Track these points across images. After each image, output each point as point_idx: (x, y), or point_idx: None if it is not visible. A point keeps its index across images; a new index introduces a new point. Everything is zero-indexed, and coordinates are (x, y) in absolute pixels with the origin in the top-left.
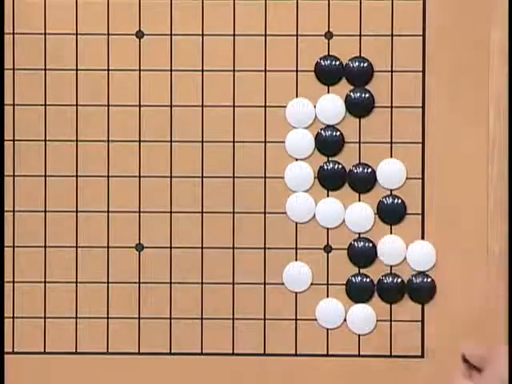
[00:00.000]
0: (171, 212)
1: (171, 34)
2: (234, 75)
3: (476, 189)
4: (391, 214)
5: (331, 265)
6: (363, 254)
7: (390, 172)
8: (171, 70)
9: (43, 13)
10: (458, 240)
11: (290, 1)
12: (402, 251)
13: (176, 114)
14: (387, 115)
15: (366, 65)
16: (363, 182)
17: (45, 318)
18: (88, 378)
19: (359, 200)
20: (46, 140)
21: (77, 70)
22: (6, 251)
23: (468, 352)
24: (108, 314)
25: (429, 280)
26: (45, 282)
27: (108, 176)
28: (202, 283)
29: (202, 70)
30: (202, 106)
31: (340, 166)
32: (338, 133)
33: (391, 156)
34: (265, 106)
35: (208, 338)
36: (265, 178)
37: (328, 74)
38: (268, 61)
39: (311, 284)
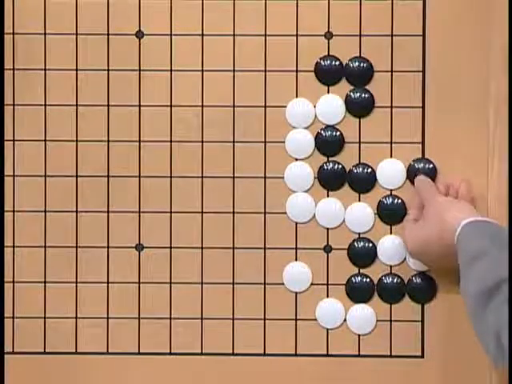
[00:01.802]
0: (171, 212)
1: (171, 34)
2: (234, 75)
3: (476, 189)
4: (391, 213)
5: (331, 265)
6: (363, 254)
7: (390, 172)
8: (171, 70)
9: (43, 13)
10: None
11: (290, 1)
12: (401, 251)
13: (176, 113)
14: (387, 115)
15: (365, 65)
16: (363, 182)
17: (45, 318)
18: (88, 378)
19: (359, 200)
20: (45, 140)
21: (77, 69)
22: (6, 251)
23: (420, 185)
24: (108, 313)
25: (429, 280)
26: (45, 282)
27: (108, 176)
28: (202, 283)
29: (202, 70)
30: (202, 105)
31: (340, 166)
32: (338, 133)
33: (391, 156)
34: (265, 106)
35: (208, 338)
36: (265, 178)
37: (328, 74)
38: (268, 61)
39: (311, 284)
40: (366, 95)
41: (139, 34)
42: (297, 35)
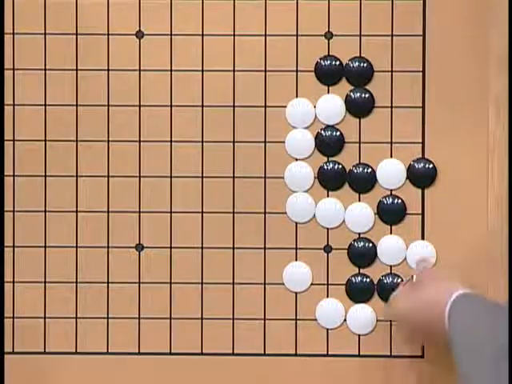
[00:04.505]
0: (171, 212)
1: (171, 34)
2: (234, 75)
3: (476, 189)
4: (391, 213)
5: (331, 265)
6: (363, 253)
7: (390, 172)
8: (171, 70)
9: (43, 13)
10: (457, 240)
11: (290, 1)
12: (401, 251)
13: (176, 113)
14: (387, 115)
15: (365, 65)
16: (363, 182)
17: (45, 317)
18: (88, 378)
19: (359, 200)
20: (46, 140)
21: (77, 69)
22: (6, 251)
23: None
24: (108, 313)
25: None
26: (45, 282)
27: (108, 176)
28: (202, 283)
29: (202, 70)
30: (202, 105)
31: (340, 166)
32: (338, 133)
33: (391, 156)
34: (265, 106)
35: (208, 338)
36: (265, 178)
37: (328, 74)
38: (268, 61)
39: (311, 284)
40: (366, 95)
41: (139, 34)
42: (297, 35)
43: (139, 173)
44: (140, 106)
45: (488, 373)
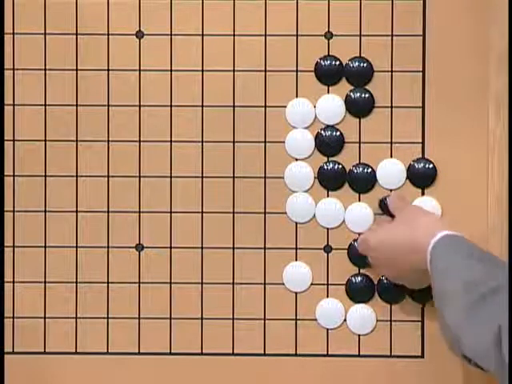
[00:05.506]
0: (171, 212)
1: (171, 34)
2: (234, 75)
3: (476, 188)
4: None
5: (331, 265)
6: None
7: (390, 172)
8: (171, 70)
9: (43, 13)
10: None
11: (290, 1)
12: None
13: (176, 113)
14: (387, 115)
15: (365, 65)
16: (363, 182)
17: (45, 317)
18: (88, 378)
19: (359, 200)
20: (46, 140)
21: (77, 69)
22: (6, 251)
23: (391, 201)
24: (108, 313)
25: None
26: (45, 282)
27: (108, 176)
28: (202, 283)
29: (202, 70)
30: (202, 105)
31: (340, 166)
32: (338, 133)
33: (391, 156)
34: (265, 106)
35: (208, 338)
36: (265, 178)
37: (328, 74)
38: (268, 61)
39: (311, 284)
40: (366, 95)
41: (139, 34)
42: (297, 35)
43: (139, 173)
44: (140, 106)
45: (463, 319)
